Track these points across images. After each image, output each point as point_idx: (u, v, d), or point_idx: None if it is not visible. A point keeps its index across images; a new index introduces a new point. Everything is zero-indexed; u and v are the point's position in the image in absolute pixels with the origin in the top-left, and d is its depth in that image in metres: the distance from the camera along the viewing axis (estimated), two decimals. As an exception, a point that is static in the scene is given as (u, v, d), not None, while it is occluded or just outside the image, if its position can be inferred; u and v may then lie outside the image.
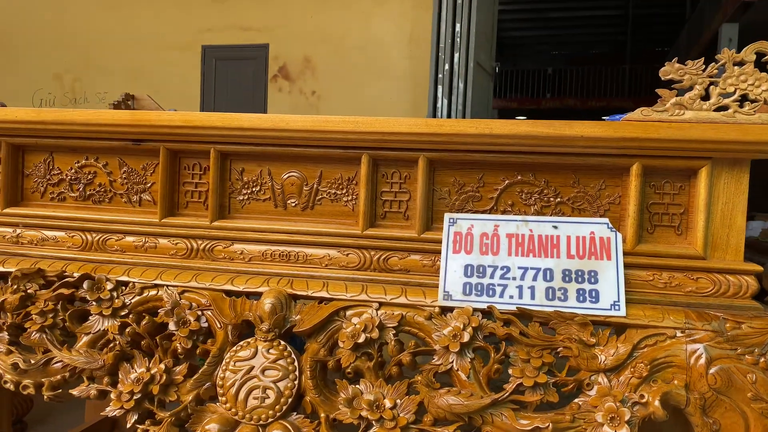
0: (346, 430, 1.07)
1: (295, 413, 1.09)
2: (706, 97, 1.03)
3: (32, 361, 1.20)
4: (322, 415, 1.07)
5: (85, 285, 1.21)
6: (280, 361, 1.09)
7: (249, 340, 1.12)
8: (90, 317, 1.20)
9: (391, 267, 1.17)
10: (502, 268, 1.10)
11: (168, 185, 1.26)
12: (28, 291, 1.23)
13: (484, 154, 1.13)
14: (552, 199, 1.14)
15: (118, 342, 1.17)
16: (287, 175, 1.23)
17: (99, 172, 1.31)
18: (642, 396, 0.99)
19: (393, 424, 1.03)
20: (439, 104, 3.46)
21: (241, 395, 1.09)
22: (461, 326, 1.05)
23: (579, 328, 1.03)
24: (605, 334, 1.04)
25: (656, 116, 1.03)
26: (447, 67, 3.41)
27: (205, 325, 1.15)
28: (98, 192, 1.31)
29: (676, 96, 1.03)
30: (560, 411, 1.02)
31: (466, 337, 1.04)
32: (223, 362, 1.12)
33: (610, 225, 1.09)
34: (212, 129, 1.20)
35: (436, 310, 1.09)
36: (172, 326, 1.15)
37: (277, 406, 1.08)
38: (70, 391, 1.18)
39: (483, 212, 1.16)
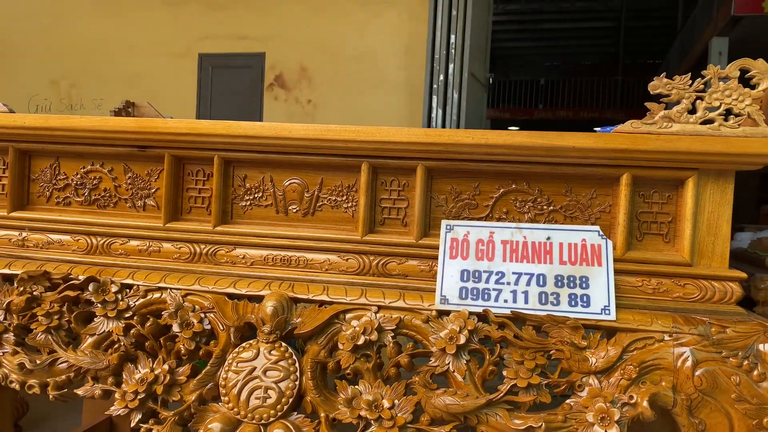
0: (345, 430, 1.10)
1: (295, 413, 1.12)
2: (692, 110, 1.07)
3: (38, 362, 1.22)
4: (322, 414, 1.10)
5: (90, 287, 1.23)
6: (282, 362, 1.13)
7: (251, 341, 1.15)
8: (95, 319, 1.23)
9: (390, 272, 1.20)
10: (497, 274, 1.14)
11: (172, 191, 1.29)
12: (34, 293, 1.25)
13: (480, 164, 1.17)
14: (545, 207, 1.18)
15: (122, 343, 1.20)
16: (289, 182, 1.26)
17: (104, 177, 1.34)
18: (631, 397, 1.03)
19: (391, 424, 1.06)
20: (433, 114, 3.51)
21: (243, 395, 1.12)
22: (457, 329, 1.09)
23: (571, 332, 1.07)
24: (596, 338, 1.07)
25: (645, 128, 1.08)
26: (442, 77, 3.47)
27: (208, 327, 1.18)
28: (103, 197, 1.35)
29: (665, 109, 1.07)
30: (553, 411, 1.05)
31: (462, 340, 1.08)
32: (226, 363, 1.15)
33: (601, 232, 1.14)
34: (216, 137, 1.24)
35: (433, 313, 1.12)
36: (175, 328, 1.18)
37: (278, 406, 1.11)
38: (75, 390, 1.21)
39: (479, 219, 1.20)
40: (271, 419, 1.11)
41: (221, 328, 1.17)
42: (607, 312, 1.09)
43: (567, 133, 1.10)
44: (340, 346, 1.12)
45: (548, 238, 1.13)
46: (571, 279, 1.12)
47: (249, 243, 1.26)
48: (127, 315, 1.22)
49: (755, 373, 1.02)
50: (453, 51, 3.45)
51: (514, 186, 1.19)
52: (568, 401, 1.06)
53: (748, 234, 5.28)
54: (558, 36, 16.58)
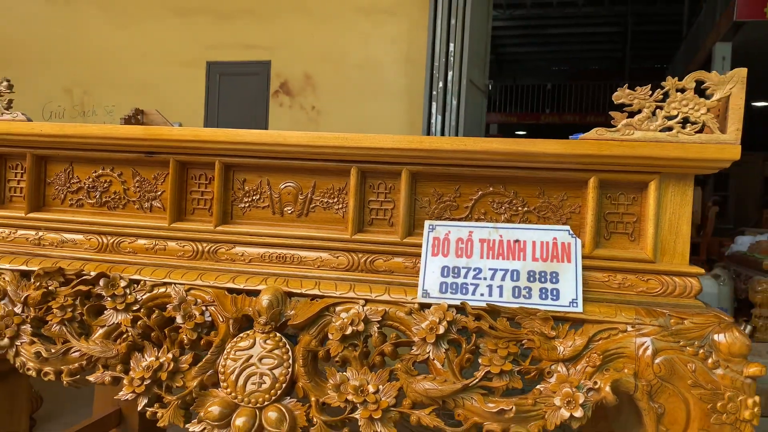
0: (334, 413, 1.20)
1: (288, 397, 1.22)
2: (653, 118, 1.16)
3: (53, 351, 1.32)
4: (313, 399, 1.20)
5: (101, 282, 1.33)
6: (276, 351, 1.22)
7: (248, 332, 1.25)
8: (105, 311, 1.33)
9: (377, 268, 1.30)
10: (474, 270, 1.23)
11: (177, 193, 1.40)
12: (50, 288, 1.36)
13: (461, 168, 1.27)
14: (520, 208, 1.27)
15: (130, 334, 1.30)
16: (284, 185, 1.36)
17: (114, 181, 1.45)
18: (595, 383, 1.12)
19: (375, 407, 1.16)
20: (433, 120, 3.61)
21: (240, 381, 1.21)
22: (437, 320, 1.18)
23: (541, 323, 1.16)
24: (564, 328, 1.16)
25: (609, 135, 1.17)
26: (441, 84, 3.57)
27: (209, 319, 1.28)
28: (113, 199, 1.45)
29: (627, 118, 1.16)
30: (524, 396, 1.14)
31: (441, 330, 1.17)
32: (225, 352, 1.24)
33: (571, 232, 1.22)
34: (217, 143, 1.34)
35: (416, 306, 1.21)
36: (179, 320, 1.28)
37: (272, 391, 1.20)
38: (87, 377, 1.31)
39: (459, 220, 1.29)
40: (266, 403, 1.20)
41: (221, 319, 1.27)
42: (574, 305, 1.17)
43: (539, 140, 1.20)
44: (330, 336, 1.21)
45: (516, 240, 1.22)
46: (543, 274, 1.21)
47: (247, 242, 1.36)
48: (134, 308, 1.31)
49: (710, 360, 1.11)
50: (452, 59, 3.55)
51: (491, 189, 1.28)
52: (538, 387, 1.15)
53: (748, 238, 5.34)
54: (564, 41, 16.67)
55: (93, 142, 1.42)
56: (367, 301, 1.23)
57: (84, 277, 1.35)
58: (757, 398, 1.10)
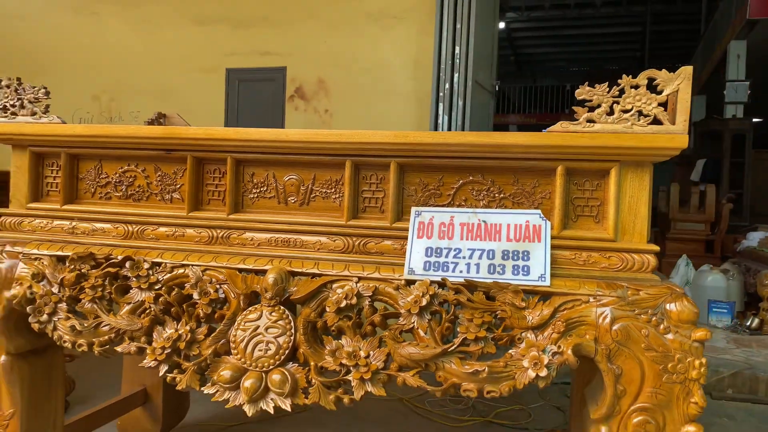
0: (330, 376, 1.35)
1: (291, 362, 1.38)
2: (611, 112, 1.30)
3: (86, 325, 1.50)
4: (312, 363, 1.36)
5: (127, 265, 1.51)
6: (280, 322, 1.39)
7: (256, 306, 1.41)
8: (131, 290, 1.50)
9: (369, 250, 1.45)
10: (455, 250, 1.38)
11: (194, 186, 1.57)
12: (82, 270, 1.53)
13: (443, 159, 1.42)
14: (497, 195, 1.42)
15: (153, 309, 1.47)
16: (288, 178, 1.53)
17: (138, 175, 1.62)
18: (559, 347, 1.26)
19: (366, 369, 1.31)
20: (440, 120, 3.75)
21: (249, 348, 1.38)
22: (421, 294, 1.33)
23: (513, 295, 1.30)
24: (533, 300, 1.30)
25: (572, 128, 1.31)
26: (447, 86, 3.71)
27: (222, 295, 1.45)
28: (137, 192, 1.63)
29: (588, 112, 1.31)
30: (496, 360, 1.29)
31: (424, 303, 1.32)
32: (235, 323, 1.41)
33: (542, 215, 1.37)
34: (229, 141, 1.51)
35: (402, 282, 1.36)
36: (195, 296, 1.44)
37: (276, 356, 1.37)
38: (115, 348, 1.49)
39: (442, 206, 1.44)
40: (271, 367, 1.37)
41: (233, 295, 1.44)
42: (543, 279, 1.32)
43: (509, 132, 1.35)
44: (327, 309, 1.37)
45: (479, 220, 1.36)
46: (516, 253, 1.35)
47: (256, 228, 1.53)
48: (156, 287, 1.48)
49: (661, 327, 1.25)
50: (458, 61, 3.69)
51: (471, 178, 1.43)
52: (509, 351, 1.29)
53: (760, 234, 5.39)
54: (583, 41, 16.64)
55: (119, 142, 1.60)
56: (360, 278, 1.39)
57: (112, 261, 1.52)
58: (703, 360, 1.23)
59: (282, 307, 1.41)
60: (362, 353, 1.33)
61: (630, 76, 1.28)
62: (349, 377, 1.33)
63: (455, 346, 1.29)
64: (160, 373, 1.44)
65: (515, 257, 1.35)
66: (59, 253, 1.58)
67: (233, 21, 4.67)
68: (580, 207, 1.38)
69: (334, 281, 1.40)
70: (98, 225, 1.63)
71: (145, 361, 1.45)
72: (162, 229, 1.58)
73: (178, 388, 1.41)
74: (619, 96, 1.30)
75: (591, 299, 1.29)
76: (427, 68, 3.98)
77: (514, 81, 19.12)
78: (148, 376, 2.43)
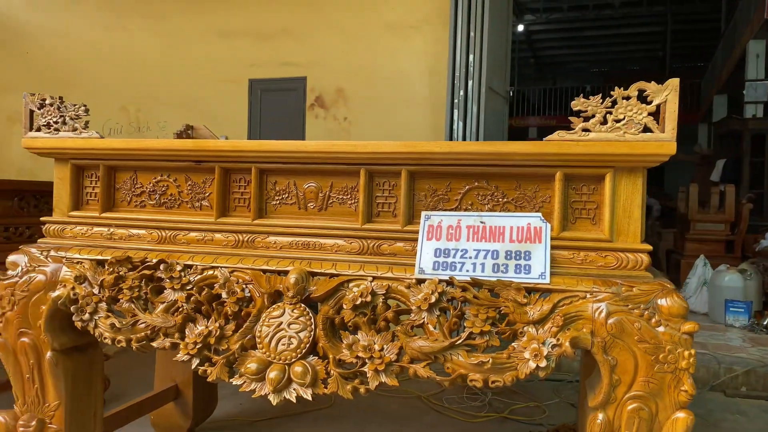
0: (347, 367, 1.47)
1: (311, 355, 1.50)
2: (604, 122, 1.40)
3: (124, 323, 1.64)
4: (331, 356, 1.48)
5: (161, 267, 1.64)
6: (301, 318, 1.51)
7: (279, 304, 1.54)
8: (165, 291, 1.64)
9: (383, 252, 1.57)
10: (461, 251, 1.49)
11: (221, 194, 1.70)
12: (120, 273, 1.67)
13: (450, 167, 1.53)
14: (501, 199, 1.53)
15: (185, 308, 1.60)
16: (307, 185, 1.65)
17: (170, 185, 1.76)
18: (558, 339, 1.36)
19: (380, 361, 1.43)
20: (455, 126, 3.85)
21: (273, 343, 1.50)
22: (430, 292, 1.44)
23: (515, 292, 1.41)
24: (535, 297, 1.41)
25: (569, 137, 1.42)
26: (462, 93, 3.82)
27: (248, 294, 1.57)
28: (170, 200, 1.76)
29: (583, 122, 1.41)
30: (500, 352, 1.39)
31: (433, 300, 1.43)
32: (260, 320, 1.53)
33: (542, 218, 1.47)
34: (253, 152, 1.64)
35: (413, 281, 1.48)
36: (224, 296, 1.57)
37: (298, 350, 1.49)
38: (151, 343, 1.62)
39: (450, 210, 1.55)
40: (293, 360, 1.49)
41: (257, 294, 1.56)
42: (543, 277, 1.42)
43: (511, 141, 1.46)
44: (344, 306, 1.49)
45: (482, 222, 1.47)
46: (518, 253, 1.46)
47: (278, 232, 1.65)
48: (188, 287, 1.61)
49: (653, 320, 1.34)
50: (472, 69, 3.79)
51: (476, 184, 1.54)
52: (512, 344, 1.40)
53: (778, 234, 5.39)
54: (603, 42, 16.61)
55: (153, 154, 1.74)
56: (374, 278, 1.50)
57: (147, 264, 1.65)
58: (692, 351, 1.33)
59: (303, 305, 1.53)
60: (377, 347, 1.45)
61: (622, 89, 1.38)
62: (365, 369, 1.44)
63: (462, 339, 1.40)
64: (192, 366, 1.57)
65: (517, 257, 1.46)
66: (99, 257, 1.72)
67: (256, 34, 4.83)
68: (577, 210, 1.48)
69: (351, 281, 1.52)
70: (134, 231, 1.77)
71: (178, 355, 1.58)
72: (192, 234, 1.71)
73: (209, 379, 1.54)
74: (612, 107, 1.40)
75: (588, 295, 1.39)
76: (442, 76, 4.10)
77: (534, 83, 19.13)
78: (179, 374, 2.57)
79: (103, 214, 1.80)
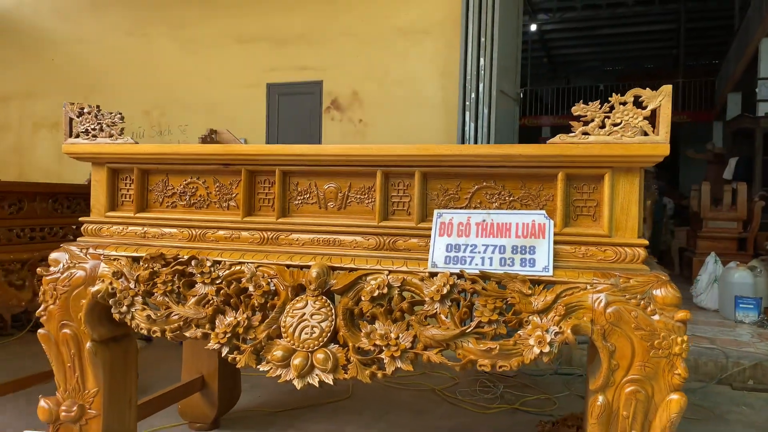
0: (365, 354, 1.59)
1: (332, 344, 1.62)
2: (603, 126, 1.51)
3: (158, 314, 1.77)
4: (350, 344, 1.60)
5: (192, 263, 1.77)
6: (323, 309, 1.63)
7: (302, 296, 1.66)
8: (196, 285, 1.76)
9: (398, 247, 1.68)
10: (471, 246, 1.60)
11: (247, 195, 1.82)
12: (154, 268, 1.80)
13: (460, 168, 1.65)
14: (507, 198, 1.64)
15: (215, 301, 1.73)
16: (327, 186, 1.77)
17: (200, 187, 1.89)
18: (560, 327, 1.47)
19: (396, 348, 1.55)
20: (466, 128, 3.96)
21: (297, 332, 1.62)
22: (442, 284, 1.55)
23: (521, 284, 1.52)
24: (539, 288, 1.52)
25: (569, 140, 1.53)
26: (473, 95, 3.93)
27: (273, 288, 1.69)
28: (199, 201, 1.89)
29: (583, 126, 1.52)
30: (507, 339, 1.50)
31: (445, 291, 1.54)
32: (285, 311, 1.66)
33: (546, 215, 1.58)
34: (277, 156, 1.76)
35: (426, 274, 1.59)
36: (251, 289, 1.70)
37: (320, 339, 1.61)
38: (184, 333, 1.75)
39: (460, 208, 1.67)
40: (316, 347, 1.61)
41: (282, 288, 1.68)
42: (546, 270, 1.53)
43: (516, 144, 1.57)
44: (363, 298, 1.61)
45: (484, 220, 1.58)
46: (523, 248, 1.57)
47: (300, 230, 1.77)
48: (217, 281, 1.74)
49: (649, 309, 1.45)
50: (482, 72, 3.90)
51: (485, 183, 1.65)
52: (518, 332, 1.51)
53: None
54: (617, 41, 16.60)
55: (183, 158, 1.87)
56: (390, 271, 1.62)
57: (180, 260, 1.78)
58: (685, 337, 1.43)
59: (324, 297, 1.65)
60: (393, 335, 1.56)
61: (619, 95, 1.49)
62: (382, 355, 1.56)
63: (472, 328, 1.51)
64: (222, 354, 1.69)
65: (523, 251, 1.57)
66: (134, 254, 1.85)
67: (273, 39, 4.98)
68: (579, 207, 1.59)
69: (368, 274, 1.64)
70: (166, 230, 1.90)
71: (209, 344, 1.71)
72: (221, 232, 1.84)
73: (238, 366, 1.67)
74: (610, 111, 1.51)
75: (588, 287, 1.50)
76: (454, 79, 4.21)
77: (547, 83, 19.15)
78: (205, 366, 2.71)
79: (138, 214, 1.94)
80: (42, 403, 1.92)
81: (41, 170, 5.81)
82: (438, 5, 4.50)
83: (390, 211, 1.72)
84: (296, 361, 1.61)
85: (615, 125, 1.50)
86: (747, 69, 10.10)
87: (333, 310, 1.63)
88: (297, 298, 1.67)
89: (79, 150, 1.94)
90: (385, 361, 1.56)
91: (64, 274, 1.89)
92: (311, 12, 4.92)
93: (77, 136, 1.95)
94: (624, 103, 1.50)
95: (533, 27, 15.94)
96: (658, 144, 1.47)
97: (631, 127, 1.49)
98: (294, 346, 1.63)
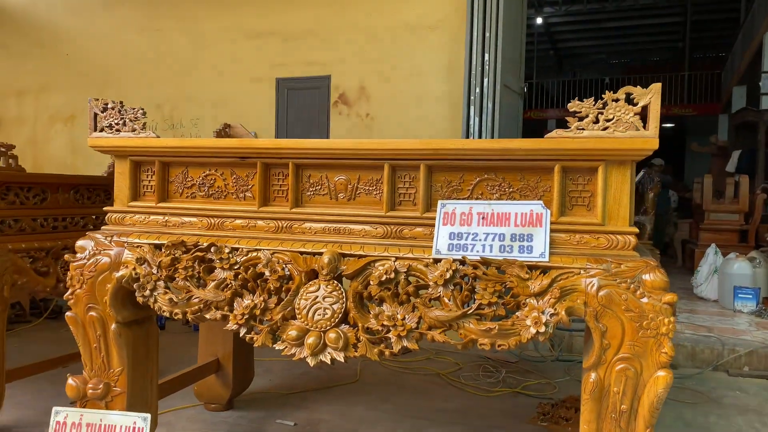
0: (374, 334, 1.70)
1: (343, 324, 1.73)
2: (597, 121, 1.61)
3: (180, 298, 1.89)
4: (360, 324, 1.71)
5: (211, 250, 1.88)
6: (334, 293, 1.74)
7: (315, 280, 1.77)
8: (215, 270, 1.88)
9: (404, 236, 1.80)
10: (473, 234, 1.71)
11: (262, 186, 1.94)
12: (176, 255, 1.91)
13: (463, 161, 1.75)
14: (507, 189, 1.75)
15: (233, 285, 1.84)
16: (338, 178, 1.88)
17: (218, 178, 2.00)
18: (555, 309, 1.58)
19: (402, 329, 1.66)
20: (471, 122, 4.07)
21: (310, 313, 1.74)
22: (446, 270, 1.66)
23: (519, 269, 1.63)
24: (536, 273, 1.63)
25: (565, 134, 1.63)
26: (478, 90, 4.02)
27: (288, 273, 1.81)
28: (217, 192, 2.01)
29: (578, 121, 1.62)
30: (505, 320, 1.62)
31: (448, 276, 1.65)
32: (299, 294, 1.77)
33: (543, 205, 1.69)
34: (290, 149, 1.88)
35: (431, 260, 1.70)
36: (267, 274, 1.81)
37: (332, 319, 1.72)
38: (204, 315, 1.87)
39: (463, 199, 1.78)
40: (328, 327, 1.73)
41: (296, 273, 1.80)
42: (543, 256, 1.64)
43: (515, 139, 1.68)
44: (371, 282, 1.72)
45: (492, 210, 1.69)
46: (522, 236, 1.68)
47: (313, 219, 1.88)
48: (235, 267, 1.85)
49: (638, 292, 1.55)
50: (487, 67, 4.00)
51: (486, 176, 1.76)
52: (516, 314, 1.62)
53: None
54: (623, 33, 16.60)
55: (202, 151, 1.98)
56: (396, 258, 1.73)
57: (199, 247, 1.90)
58: (672, 318, 1.54)
59: (335, 282, 1.76)
60: (399, 316, 1.68)
61: (612, 92, 1.60)
62: (389, 335, 1.68)
63: (473, 309, 1.63)
64: (240, 335, 1.81)
65: (521, 239, 1.68)
66: (156, 241, 1.97)
67: (282, 35, 5.08)
68: (574, 198, 1.70)
69: (376, 261, 1.75)
70: (186, 219, 2.02)
71: (228, 325, 1.82)
72: (238, 221, 1.96)
73: (256, 345, 1.79)
74: (603, 108, 1.62)
75: (582, 271, 1.61)
76: (459, 74, 4.31)
77: (554, 75, 19.17)
78: (220, 349, 2.84)
79: (159, 204, 2.05)
80: (70, 381, 2.04)
81: (56, 162, 5.95)
82: (444, 0, 4.59)
83: (397, 201, 1.83)
84: (310, 340, 1.73)
85: (608, 120, 1.61)
86: (752, 62, 10.13)
87: (344, 294, 1.75)
88: (310, 283, 1.78)
89: (104, 143, 2.05)
90: (392, 340, 1.68)
91: (90, 260, 2.01)
92: (320, 8, 5.03)
93: (101, 130, 2.07)
94: (616, 100, 1.60)
95: (539, 20, 15.97)
96: (648, 138, 1.57)
97: (623, 122, 1.59)
98: (308, 326, 1.75)
